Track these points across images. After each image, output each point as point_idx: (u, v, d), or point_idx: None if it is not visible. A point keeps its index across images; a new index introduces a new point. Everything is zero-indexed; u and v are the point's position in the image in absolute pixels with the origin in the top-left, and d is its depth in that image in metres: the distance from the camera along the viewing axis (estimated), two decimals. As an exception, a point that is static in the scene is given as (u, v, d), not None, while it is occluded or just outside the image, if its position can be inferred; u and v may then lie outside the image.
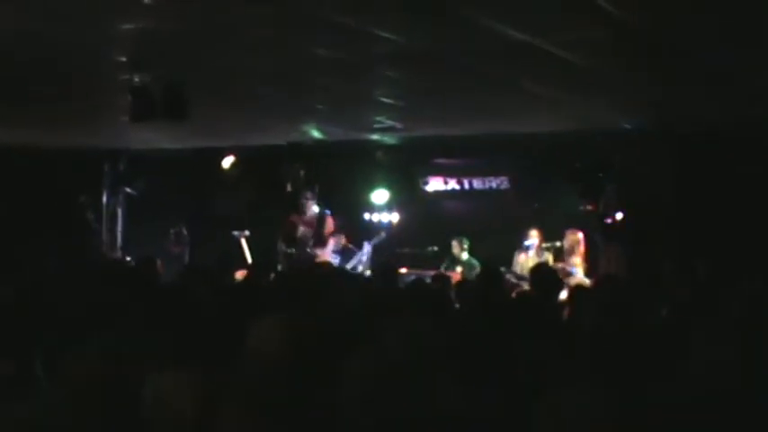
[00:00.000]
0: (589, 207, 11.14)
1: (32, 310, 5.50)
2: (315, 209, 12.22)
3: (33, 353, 4.18)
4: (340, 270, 8.59)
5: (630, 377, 3.78)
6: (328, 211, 12.23)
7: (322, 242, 11.94)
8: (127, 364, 3.68)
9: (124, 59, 7.23)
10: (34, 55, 7.23)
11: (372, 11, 5.73)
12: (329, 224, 12.10)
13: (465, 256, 11.59)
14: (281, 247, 12.10)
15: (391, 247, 12.05)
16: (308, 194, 12.28)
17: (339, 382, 3.00)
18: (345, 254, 11.88)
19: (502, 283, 7.21)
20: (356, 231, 12.32)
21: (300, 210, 12.28)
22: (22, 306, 5.59)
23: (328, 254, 11.77)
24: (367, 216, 12.79)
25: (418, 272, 11.10)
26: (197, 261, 12.11)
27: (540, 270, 7.11)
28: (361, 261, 11.71)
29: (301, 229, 12.14)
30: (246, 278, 7.84)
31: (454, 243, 11.64)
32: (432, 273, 11.14)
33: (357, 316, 5.04)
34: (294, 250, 11.95)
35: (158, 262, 8.02)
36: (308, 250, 11.84)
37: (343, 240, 11.99)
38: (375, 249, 11.81)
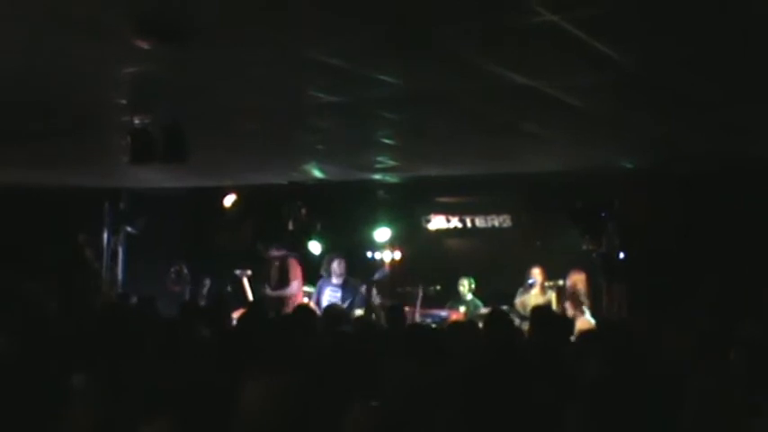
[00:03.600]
0: (592, 246, 11.07)
1: (31, 355, 5.42)
2: (275, 252, 12.27)
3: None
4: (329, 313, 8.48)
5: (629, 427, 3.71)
6: (287, 252, 12.26)
7: (283, 284, 11.97)
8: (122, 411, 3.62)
9: (124, 102, 7.23)
10: (34, 97, 7.24)
11: (372, 55, 5.72)
12: (292, 266, 12.08)
13: (469, 296, 11.57)
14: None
15: (393, 286, 11.98)
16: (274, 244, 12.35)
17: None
18: (347, 290, 11.79)
19: (509, 328, 7.04)
20: (358, 269, 12.19)
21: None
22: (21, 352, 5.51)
23: (298, 294, 11.83)
24: (369, 254, 12.72)
25: (422, 311, 11.09)
26: (196, 300, 12.04)
27: (540, 312, 7.03)
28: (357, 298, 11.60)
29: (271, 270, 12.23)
30: (240, 320, 7.73)
31: (462, 282, 11.61)
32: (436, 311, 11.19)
33: (353, 362, 4.98)
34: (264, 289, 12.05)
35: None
36: (267, 291, 11.93)
37: (343, 276, 11.90)
38: (377, 285, 11.72)
